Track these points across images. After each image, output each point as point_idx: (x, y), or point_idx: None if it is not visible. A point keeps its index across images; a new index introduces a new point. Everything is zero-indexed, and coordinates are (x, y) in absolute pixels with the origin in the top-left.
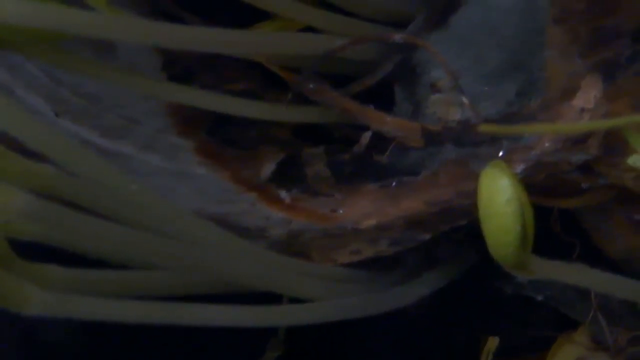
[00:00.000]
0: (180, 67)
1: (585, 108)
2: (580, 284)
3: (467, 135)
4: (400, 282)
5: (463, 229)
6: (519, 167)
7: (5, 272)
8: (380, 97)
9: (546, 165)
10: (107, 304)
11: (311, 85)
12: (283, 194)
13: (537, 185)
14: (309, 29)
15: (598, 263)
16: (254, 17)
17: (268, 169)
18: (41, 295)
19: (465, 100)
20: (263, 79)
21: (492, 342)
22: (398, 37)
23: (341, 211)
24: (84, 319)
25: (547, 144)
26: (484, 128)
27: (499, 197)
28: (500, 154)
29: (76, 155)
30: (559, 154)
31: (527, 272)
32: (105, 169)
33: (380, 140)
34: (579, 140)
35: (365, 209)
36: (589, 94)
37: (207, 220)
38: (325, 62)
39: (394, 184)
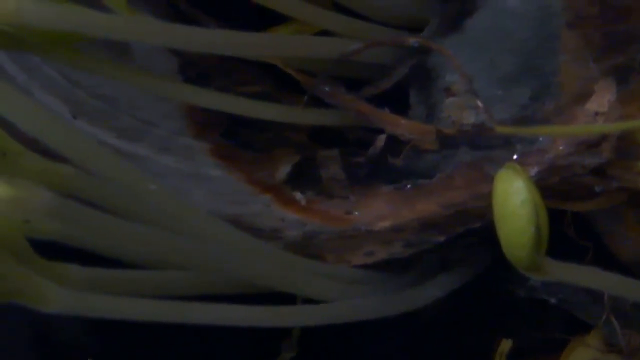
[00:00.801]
0: (196, 70)
1: (599, 112)
2: (593, 286)
3: (482, 138)
4: (414, 284)
5: (477, 231)
6: (533, 170)
7: (25, 269)
8: (395, 100)
9: (560, 169)
10: (125, 303)
11: (326, 88)
12: (298, 195)
13: (550, 188)
14: (324, 32)
15: (611, 266)
16: (269, 20)
17: (283, 171)
18: (59, 293)
19: (479, 103)
20: (278, 82)
21: (505, 345)
22: (413, 40)
23: (356, 213)
24: (101, 317)
25: (561, 148)
26: (499, 129)
27: (514, 200)
28: (515, 157)
29: (95, 155)
30: (573, 157)
31: (541, 273)
32: (123, 169)
33: (394, 143)
34: (593, 144)
35: (379, 211)
36: (602, 98)
37: (222, 221)
38: (340, 65)
39: (408, 186)
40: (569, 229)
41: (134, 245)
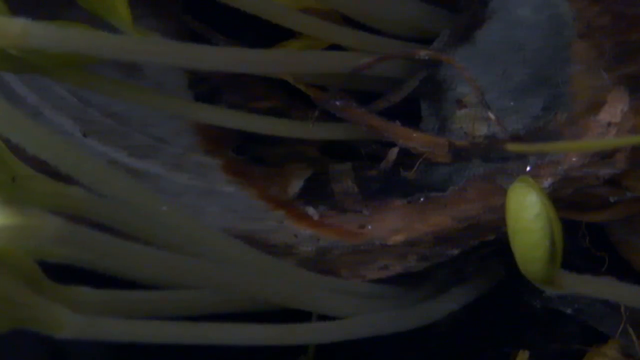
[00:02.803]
0: (207, 86)
1: (611, 122)
2: (609, 297)
3: (494, 151)
4: (429, 298)
5: (491, 244)
6: (547, 182)
7: (37, 294)
8: (407, 113)
9: (573, 180)
10: (138, 325)
11: (337, 103)
12: (311, 210)
13: (564, 199)
14: (334, 46)
15: (626, 276)
16: (279, 36)
17: (295, 186)
18: (72, 318)
19: (491, 115)
20: (289, 97)
21: (522, 356)
22: (423, 53)
23: (369, 227)
24: (114, 340)
25: (574, 159)
26: (512, 147)
27: (528, 213)
28: (528, 169)
29: (105, 176)
30: (586, 168)
31: (556, 286)
32: (134, 190)
33: (407, 156)
34: (606, 155)
35: (393, 225)
36: (615, 108)
37: (235, 239)
38: (351, 79)
39: (421, 199)
40: (583, 241)
41: (146, 266)
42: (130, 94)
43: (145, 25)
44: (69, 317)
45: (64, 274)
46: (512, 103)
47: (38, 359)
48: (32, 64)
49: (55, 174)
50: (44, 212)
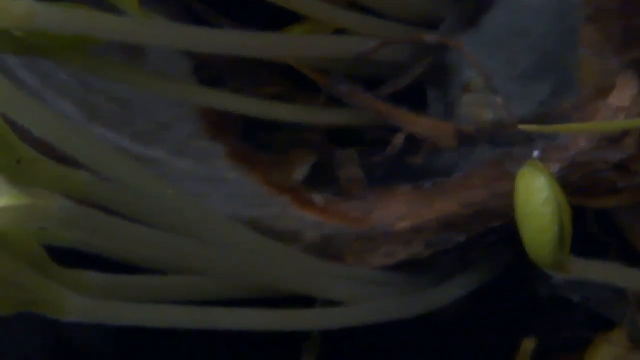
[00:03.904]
0: (211, 71)
1: (620, 106)
2: (616, 283)
3: (501, 136)
4: (434, 284)
5: (498, 230)
6: (555, 167)
7: (42, 278)
8: (412, 98)
9: (582, 165)
10: (144, 309)
11: (343, 88)
12: (316, 197)
13: (572, 184)
14: (340, 30)
15: (634, 262)
16: (284, 20)
17: (300, 172)
18: (78, 301)
19: (498, 100)
20: (294, 82)
21: (529, 344)
22: (430, 38)
23: (374, 213)
24: (119, 324)
25: (582, 143)
26: (522, 127)
27: (536, 197)
28: (535, 153)
29: (111, 159)
30: (595, 153)
31: (564, 271)
32: (140, 174)
33: (412, 142)
34: (615, 139)
35: (398, 212)
36: (624, 92)
37: (240, 224)
38: (356, 64)
39: (427, 185)
40: (592, 226)
41: (151, 250)
42: (133, 78)
43: (150, 7)
44: (74, 300)
45: (69, 257)
46: (519, 88)
47: (42, 345)
48: (36, 45)
49: (60, 158)
50: (49, 194)
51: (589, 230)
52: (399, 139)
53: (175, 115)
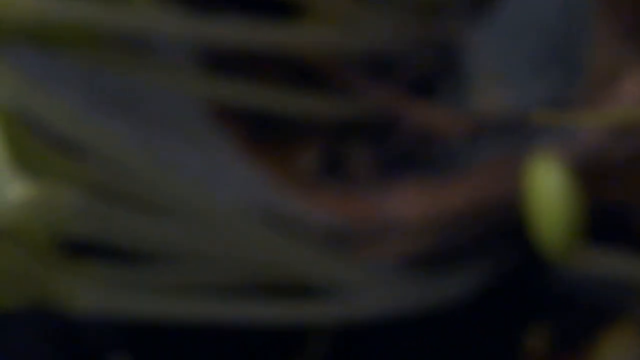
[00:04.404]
0: (219, 62)
1: (632, 94)
2: (627, 274)
3: (513, 125)
4: (442, 277)
5: (508, 222)
6: (568, 157)
7: (54, 270)
8: (423, 87)
9: (595, 154)
10: (153, 301)
11: (352, 78)
12: (325, 187)
13: (586, 174)
14: (348, 20)
15: None
16: (293, 11)
17: (310, 162)
18: (89, 293)
19: (510, 89)
20: (303, 73)
21: (539, 335)
22: (441, 25)
23: (383, 205)
24: (130, 316)
25: (594, 134)
26: (536, 117)
27: (550, 188)
28: (549, 144)
29: (121, 150)
30: (608, 142)
31: (577, 262)
32: (149, 164)
33: (423, 132)
34: (628, 130)
35: (407, 203)
36: (636, 82)
37: (251, 214)
38: (367, 53)
39: (438, 177)
40: (603, 217)
41: (161, 239)
42: (140, 68)
43: None
44: (86, 292)
45: (80, 250)
46: (530, 76)
47: (51, 339)
48: (44, 36)
49: (70, 150)
50: (61, 186)
51: (600, 221)
52: (409, 130)
53: (184, 104)
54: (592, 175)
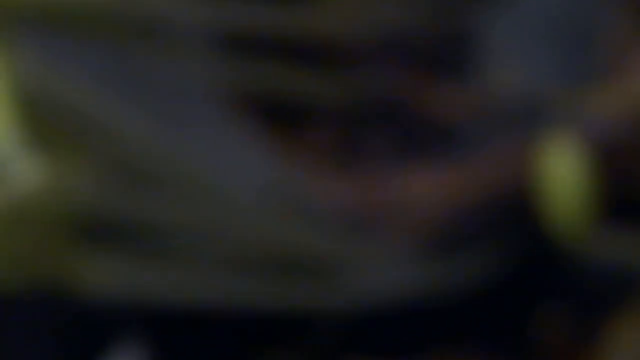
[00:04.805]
0: (234, 44)
1: None
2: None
3: (529, 107)
4: (456, 261)
5: (522, 206)
6: (582, 141)
7: (68, 250)
8: (439, 69)
9: (612, 138)
10: (164, 278)
11: (367, 60)
12: (339, 169)
13: (603, 156)
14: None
15: None
16: None
17: (323, 144)
18: (103, 273)
19: (527, 74)
20: (317, 54)
21: (552, 322)
22: (455, 10)
23: (396, 187)
24: (143, 296)
25: (611, 116)
26: (551, 98)
27: (564, 171)
28: (564, 126)
29: (133, 130)
30: (624, 125)
31: (590, 244)
32: (161, 144)
33: (436, 115)
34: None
35: (421, 186)
36: None
37: (262, 194)
38: (382, 33)
39: (452, 160)
40: (616, 201)
41: (173, 218)
42: (155, 50)
43: None
44: (98, 272)
45: (94, 231)
46: (547, 63)
47: (63, 322)
48: (62, 18)
49: (86, 129)
50: (77, 165)
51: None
52: (422, 112)
53: (196, 86)
54: (609, 157)
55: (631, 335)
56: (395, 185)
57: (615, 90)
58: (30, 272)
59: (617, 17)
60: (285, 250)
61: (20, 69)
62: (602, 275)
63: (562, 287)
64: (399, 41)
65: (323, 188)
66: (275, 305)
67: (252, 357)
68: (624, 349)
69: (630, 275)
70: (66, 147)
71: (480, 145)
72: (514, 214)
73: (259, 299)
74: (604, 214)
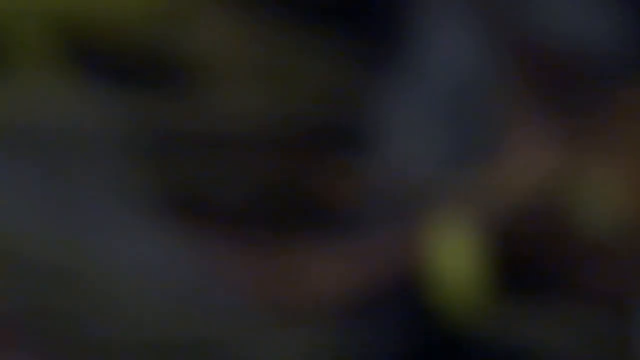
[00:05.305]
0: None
1: (537, 160)
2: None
3: (422, 191)
4: (352, 340)
5: (410, 288)
6: (476, 220)
7: None
8: (334, 146)
9: (507, 215)
10: None
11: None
12: (245, 258)
13: (498, 234)
14: None
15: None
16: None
17: (227, 232)
18: None
19: (421, 155)
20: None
21: None
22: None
23: (294, 268)
24: None
25: (504, 195)
26: (444, 177)
27: (455, 251)
28: (456, 207)
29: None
30: (517, 204)
31: (485, 323)
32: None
33: (329, 196)
34: (534, 190)
35: (317, 267)
36: (544, 146)
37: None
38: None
39: (350, 242)
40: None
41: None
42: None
43: None
44: None
45: None
46: (443, 145)
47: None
48: None
49: None
50: None
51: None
52: (314, 194)
53: (112, 190)
54: (501, 238)
55: None
56: (292, 267)
57: (504, 170)
58: None
59: (512, 98)
60: (189, 336)
61: None
62: (497, 353)
63: None
64: (291, 124)
65: (226, 273)
66: None
67: None
68: None
69: (524, 352)
70: None
71: (373, 227)
72: (403, 295)
73: None
74: (497, 293)
